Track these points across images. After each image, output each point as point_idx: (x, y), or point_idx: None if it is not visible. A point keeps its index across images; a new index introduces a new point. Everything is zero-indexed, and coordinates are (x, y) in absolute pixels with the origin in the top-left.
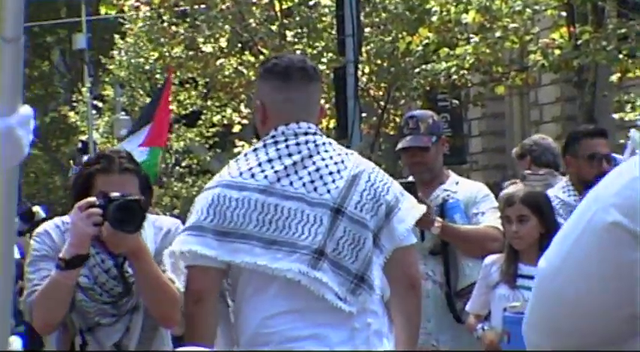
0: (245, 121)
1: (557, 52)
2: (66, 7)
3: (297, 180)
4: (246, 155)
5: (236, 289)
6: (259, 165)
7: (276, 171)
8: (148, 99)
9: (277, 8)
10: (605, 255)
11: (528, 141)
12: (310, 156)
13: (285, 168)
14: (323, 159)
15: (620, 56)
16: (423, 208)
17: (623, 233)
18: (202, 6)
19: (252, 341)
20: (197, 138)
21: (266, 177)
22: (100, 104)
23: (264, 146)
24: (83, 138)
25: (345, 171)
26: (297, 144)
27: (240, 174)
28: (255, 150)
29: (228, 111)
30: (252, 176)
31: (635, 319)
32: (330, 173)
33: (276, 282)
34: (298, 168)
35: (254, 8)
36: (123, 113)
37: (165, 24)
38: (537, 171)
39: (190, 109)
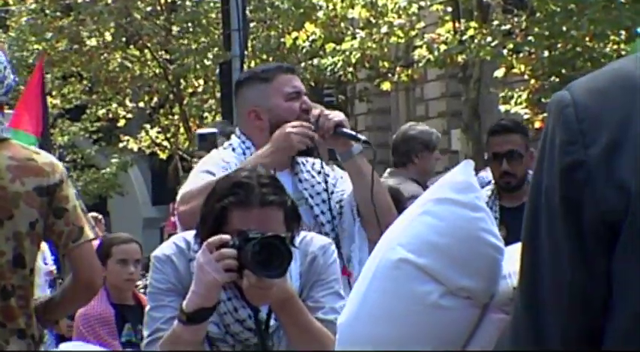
0: (130, 115)
1: (442, 47)
2: None
3: None
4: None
5: None
6: None
7: None
8: None
9: (162, 2)
10: (398, 292)
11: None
12: None
13: None
14: None
15: (505, 52)
16: None
17: (411, 268)
18: (87, 0)
19: None
20: (81, 133)
21: None
22: None
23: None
24: None
25: None
26: None
27: None
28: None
29: (114, 105)
30: None
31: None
32: None
33: None
34: None
35: (139, 2)
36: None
37: (50, 17)
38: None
39: (75, 103)
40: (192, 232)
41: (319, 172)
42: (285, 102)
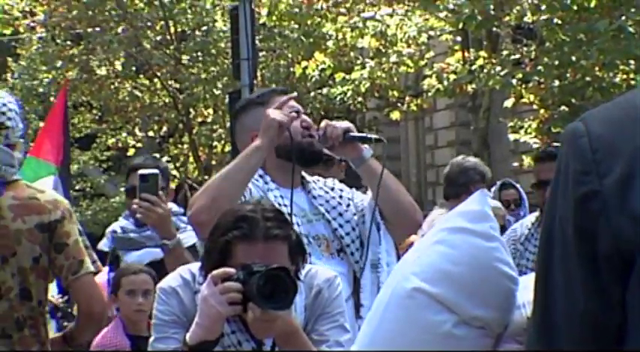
0: (139, 144)
1: (452, 76)
2: None
3: None
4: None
5: None
6: None
7: None
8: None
9: (172, 31)
10: (411, 320)
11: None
12: None
13: None
14: None
15: (514, 81)
16: None
17: (424, 297)
18: (97, 29)
19: None
20: (91, 162)
21: None
22: None
23: None
24: None
25: None
26: None
27: None
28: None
29: (123, 134)
30: None
31: None
32: None
33: None
34: None
35: (149, 32)
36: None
37: (60, 46)
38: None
39: (84, 132)
40: (198, 264)
41: (332, 188)
42: None
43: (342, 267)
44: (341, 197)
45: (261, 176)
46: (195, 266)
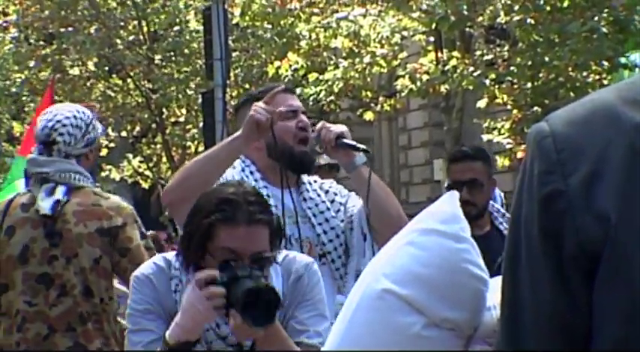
0: (112, 144)
1: (425, 77)
2: None
3: None
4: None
5: None
6: None
7: None
8: (15, 123)
9: (145, 32)
10: (381, 322)
11: None
12: None
13: None
14: None
15: (487, 82)
16: None
17: (394, 299)
18: (70, 28)
19: None
20: None
21: None
22: None
23: None
24: None
25: None
26: None
27: None
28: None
29: None
30: None
31: None
32: None
33: None
34: None
35: (122, 32)
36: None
37: (33, 46)
38: None
39: None
40: (173, 252)
41: (326, 191)
42: (280, 122)
43: (326, 275)
44: (332, 201)
45: (252, 172)
46: (170, 254)
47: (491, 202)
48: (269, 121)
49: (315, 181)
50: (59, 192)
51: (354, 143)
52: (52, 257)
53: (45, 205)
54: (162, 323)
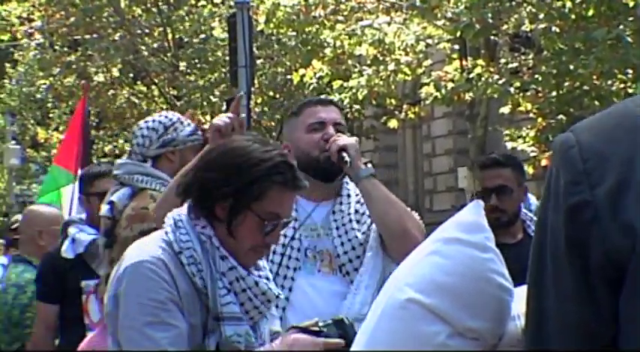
0: None
1: (449, 85)
2: None
3: None
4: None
5: None
6: None
7: None
8: (39, 129)
9: (170, 39)
10: (405, 332)
11: None
12: None
13: None
14: None
15: (512, 90)
16: None
17: (418, 308)
18: (95, 35)
19: None
20: None
21: None
22: None
23: None
24: None
25: None
26: None
27: None
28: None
29: (121, 141)
30: None
31: None
32: None
33: None
34: None
35: (146, 39)
36: (13, 142)
37: (57, 53)
38: None
39: None
40: (159, 232)
41: (358, 201)
42: (305, 135)
43: (340, 285)
44: (363, 213)
45: None
46: (157, 237)
47: (524, 210)
48: (229, 127)
49: (357, 195)
50: (117, 194)
51: (346, 159)
52: (112, 259)
53: (103, 207)
54: (182, 316)
